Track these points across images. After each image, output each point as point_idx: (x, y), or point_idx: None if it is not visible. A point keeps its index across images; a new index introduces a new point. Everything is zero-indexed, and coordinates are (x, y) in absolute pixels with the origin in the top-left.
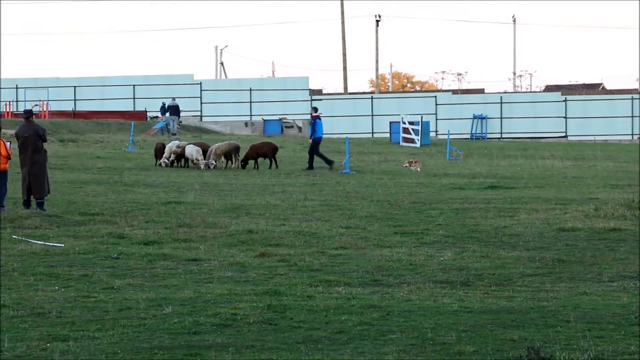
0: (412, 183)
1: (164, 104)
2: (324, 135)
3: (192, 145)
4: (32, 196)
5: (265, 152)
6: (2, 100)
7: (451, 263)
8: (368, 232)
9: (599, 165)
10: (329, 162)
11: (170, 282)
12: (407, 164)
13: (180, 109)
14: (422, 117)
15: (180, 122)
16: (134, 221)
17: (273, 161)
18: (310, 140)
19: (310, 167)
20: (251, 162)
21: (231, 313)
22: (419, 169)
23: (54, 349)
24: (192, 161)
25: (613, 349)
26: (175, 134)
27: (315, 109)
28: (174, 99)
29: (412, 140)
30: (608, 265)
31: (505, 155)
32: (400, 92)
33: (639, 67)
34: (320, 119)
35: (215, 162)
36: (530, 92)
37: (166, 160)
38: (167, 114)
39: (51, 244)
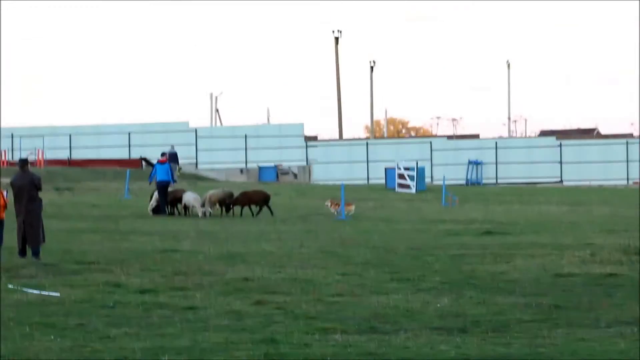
0: (408, 229)
1: (163, 154)
2: (321, 181)
3: (190, 192)
4: (27, 245)
5: (257, 200)
6: None
7: (448, 309)
8: (364, 278)
9: (595, 210)
10: (163, 211)
11: (166, 330)
12: (330, 205)
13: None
14: (417, 162)
15: (180, 169)
16: (130, 269)
17: (268, 208)
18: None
19: (163, 211)
20: (237, 209)
21: None
22: (349, 213)
23: None
24: (189, 208)
25: None
26: (175, 182)
27: (162, 154)
28: (172, 146)
29: (407, 186)
30: (605, 311)
31: (501, 200)
32: (395, 138)
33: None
34: (161, 164)
35: (211, 209)
36: (525, 137)
37: (210, 210)
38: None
39: (47, 293)
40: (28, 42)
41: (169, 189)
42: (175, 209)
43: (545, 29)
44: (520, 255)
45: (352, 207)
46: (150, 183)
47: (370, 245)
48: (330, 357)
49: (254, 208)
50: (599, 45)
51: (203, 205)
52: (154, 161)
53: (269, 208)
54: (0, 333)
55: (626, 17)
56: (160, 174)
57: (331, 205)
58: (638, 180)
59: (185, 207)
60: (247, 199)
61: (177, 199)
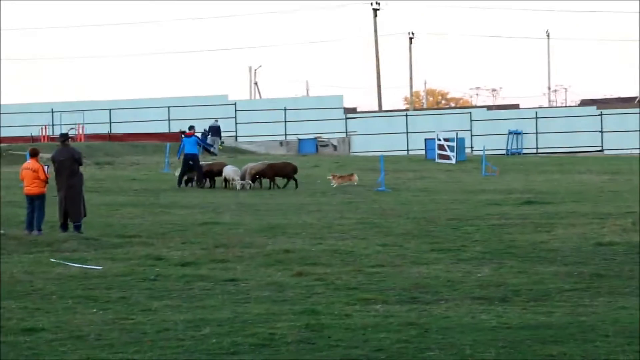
0: (448, 200)
1: (205, 130)
2: (361, 153)
3: (230, 166)
4: (69, 219)
5: (283, 173)
6: (38, 124)
7: (489, 279)
8: (405, 249)
9: (636, 179)
10: (179, 183)
11: (207, 302)
12: (333, 178)
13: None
14: (457, 133)
15: (223, 142)
16: (171, 243)
17: (294, 181)
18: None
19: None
20: (265, 181)
21: (269, 333)
22: (354, 182)
23: None
24: (229, 181)
25: None
26: (216, 155)
27: (189, 128)
28: (216, 120)
29: (447, 157)
30: None
31: (541, 170)
32: (434, 109)
33: None
34: (188, 138)
35: (252, 182)
36: (565, 106)
37: (250, 182)
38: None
39: (89, 266)
40: (66, 18)
41: (207, 162)
42: (208, 181)
43: None
44: (561, 225)
45: (355, 178)
46: (178, 158)
47: (411, 216)
48: (371, 328)
49: (282, 181)
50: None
51: (243, 178)
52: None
53: (295, 180)
54: (41, 306)
55: None
56: (188, 147)
57: (333, 179)
58: None
59: (226, 180)
60: (274, 172)
61: (213, 172)
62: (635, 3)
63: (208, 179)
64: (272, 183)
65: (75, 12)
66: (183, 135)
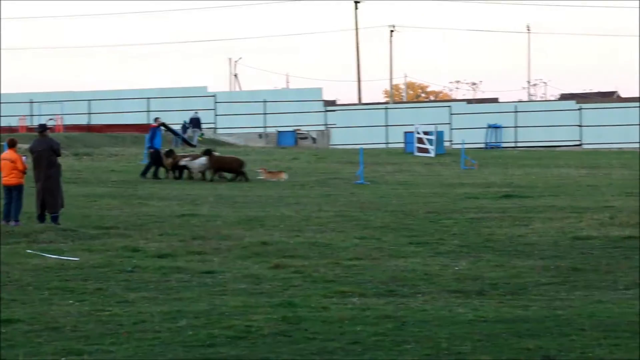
0: (427, 193)
1: (185, 122)
2: (340, 146)
3: (196, 161)
4: (46, 210)
5: (229, 167)
6: (16, 115)
7: (466, 273)
8: (382, 242)
9: (614, 173)
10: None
11: (184, 294)
12: (262, 172)
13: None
14: (436, 126)
15: (202, 134)
16: (149, 234)
17: (243, 176)
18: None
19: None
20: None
21: (245, 325)
22: (279, 180)
23: None
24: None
25: (629, 357)
26: (195, 146)
27: (155, 119)
28: (195, 112)
29: (426, 150)
30: (623, 273)
31: (520, 164)
32: (414, 102)
33: None
34: (159, 129)
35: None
36: (544, 101)
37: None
38: (189, 130)
39: (66, 257)
40: (48, 7)
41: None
42: (174, 173)
43: None
44: (539, 219)
45: (283, 175)
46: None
47: (389, 209)
48: (348, 321)
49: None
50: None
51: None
52: (174, 127)
53: (243, 175)
54: (17, 297)
55: None
56: (158, 140)
57: (263, 173)
58: None
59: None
60: (219, 165)
61: (177, 164)
62: None
63: (177, 171)
64: (213, 176)
65: (54, 2)
66: (162, 127)
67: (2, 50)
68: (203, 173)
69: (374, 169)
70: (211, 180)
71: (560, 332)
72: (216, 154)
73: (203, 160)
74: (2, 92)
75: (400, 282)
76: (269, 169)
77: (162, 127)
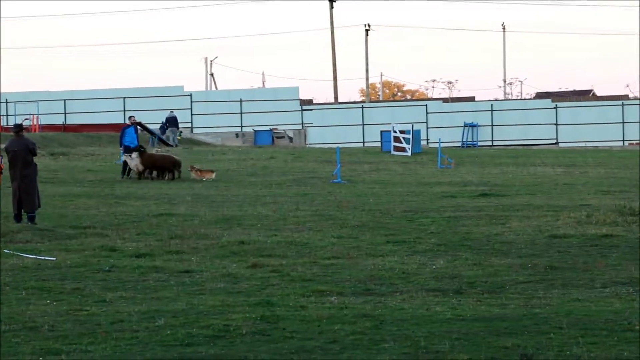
0: (404, 192)
1: (163, 123)
2: (317, 145)
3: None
4: (22, 210)
5: (161, 165)
6: None
7: (443, 271)
8: (360, 241)
9: (591, 171)
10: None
11: (162, 294)
12: (192, 171)
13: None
14: (412, 125)
15: (181, 132)
16: (126, 234)
17: (175, 174)
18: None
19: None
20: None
21: (224, 324)
22: (206, 179)
23: None
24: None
25: (606, 355)
26: (176, 146)
27: (129, 118)
28: (172, 111)
29: (403, 149)
30: (600, 271)
31: (497, 162)
32: (390, 101)
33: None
34: (130, 128)
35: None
36: (520, 99)
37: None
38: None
39: (43, 257)
40: (23, 7)
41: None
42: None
43: None
44: (516, 217)
45: (213, 175)
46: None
47: (366, 208)
48: (326, 319)
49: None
50: (595, 6)
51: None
52: (151, 126)
53: (173, 174)
54: None
55: None
56: (129, 137)
57: (192, 171)
58: (635, 142)
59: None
60: (151, 163)
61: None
62: None
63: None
64: (142, 174)
65: (28, 2)
66: (138, 126)
67: None
68: (143, 171)
69: (351, 168)
70: (145, 178)
71: (538, 331)
72: (161, 151)
73: (136, 157)
74: None
75: (378, 281)
76: (197, 168)
77: (138, 127)
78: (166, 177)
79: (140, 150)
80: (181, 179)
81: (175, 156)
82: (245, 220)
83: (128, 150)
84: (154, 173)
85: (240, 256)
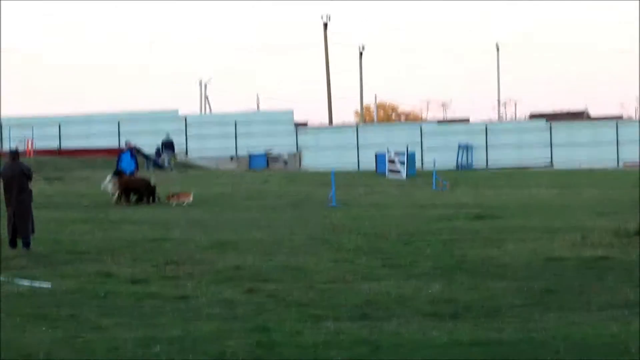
0: (399, 215)
1: (157, 147)
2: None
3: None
4: (17, 236)
5: (134, 187)
6: None
7: (440, 295)
8: (356, 265)
9: (586, 193)
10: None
11: (158, 320)
12: (168, 200)
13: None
14: (407, 147)
15: (176, 158)
16: (121, 259)
17: (149, 197)
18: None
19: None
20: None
21: (220, 351)
22: (184, 203)
23: None
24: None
25: None
26: (171, 170)
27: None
28: (168, 134)
29: (398, 172)
30: (596, 294)
31: (492, 184)
32: (385, 123)
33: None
34: (124, 153)
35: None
36: (515, 120)
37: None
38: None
39: (38, 284)
40: (18, 30)
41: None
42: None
43: (534, 10)
44: (511, 240)
45: (190, 197)
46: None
47: (362, 231)
48: (322, 345)
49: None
50: (587, 26)
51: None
52: (145, 149)
53: (148, 197)
54: None
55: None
56: (125, 164)
57: (170, 200)
58: (629, 163)
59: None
60: (126, 186)
61: (130, 188)
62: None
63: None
64: (121, 197)
65: (23, 25)
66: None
67: None
68: (120, 196)
69: (346, 191)
70: (121, 203)
71: (535, 355)
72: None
73: (109, 181)
74: None
75: (374, 306)
76: (172, 193)
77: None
78: (144, 200)
79: (117, 174)
80: (157, 203)
81: (151, 180)
82: (241, 245)
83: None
84: (133, 198)
85: (236, 281)
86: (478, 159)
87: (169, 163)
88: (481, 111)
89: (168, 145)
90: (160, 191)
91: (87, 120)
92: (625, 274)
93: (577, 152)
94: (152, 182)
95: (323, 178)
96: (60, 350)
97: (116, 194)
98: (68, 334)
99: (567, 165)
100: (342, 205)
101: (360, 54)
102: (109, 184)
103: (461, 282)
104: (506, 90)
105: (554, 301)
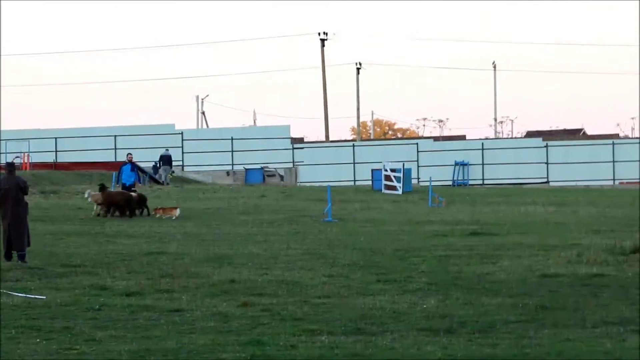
0: (395, 230)
1: (155, 163)
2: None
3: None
4: (13, 248)
5: (117, 201)
6: None
7: (434, 310)
8: (351, 280)
9: (581, 210)
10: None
11: (152, 333)
12: (156, 212)
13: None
14: (403, 164)
15: (173, 172)
16: (116, 272)
17: (130, 211)
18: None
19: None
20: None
21: None
22: (173, 217)
23: None
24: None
25: None
26: (167, 184)
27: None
28: (167, 149)
29: (394, 188)
30: (591, 311)
31: (488, 201)
32: (381, 140)
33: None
34: (127, 165)
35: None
36: (511, 138)
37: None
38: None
39: (32, 296)
40: (15, 46)
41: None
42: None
43: (530, 29)
44: (507, 256)
45: (176, 212)
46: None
47: (357, 246)
48: (317, 359)
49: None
50: (584, 45)
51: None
52: (141, 164)
53: (129, 211)
54: None
55: (611, 15)
56: (125, 176)
57: (157, 213)
58: (625, 181)
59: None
60: (108, 200)
61: (113, 202)
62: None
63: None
64: (107, 211)
65: (21, 39)
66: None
67: None
68: (103, 209)
69: (342, 207)
70: (102, 215)
71: None
72: (137, 191)
73: (94, 193)
74: None
75: (368, 320)
76: (160, 208)
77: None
78: (126, 214)
79: (100, 187)
80: (141, 216)
81: (132, 194)
82: (236, 259)
83: (125, 188)
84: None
85: (231, 295)
86: (474, 176)
87: (165, 177)
88: (478, 129)
89: (166, 160)
90: (153, 205)
91: (84, 133)
92: (621, 291)
93: (574, 170)
94: (135, 195)
95: (319, 193)
96: None
97: (95, 208)
98: (62, 346)
99: (563, 183)
100: (338, 221)
101: (358, 70)
102: (88, 197)
103: (456, 298)
104: (503, 108)
105: (548, 318)
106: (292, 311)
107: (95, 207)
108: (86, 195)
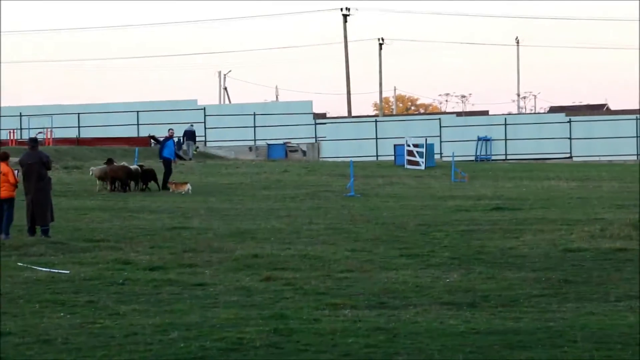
0: (418, 205)
1: (179, 138)
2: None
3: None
4: (36, 223)
5: (120, 176)
6: (6, 128)
7: (457, 285)
8: (374, 254)
9: (604, 185)
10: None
11: (176, 307)
12: (172, 187)
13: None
14: (426, 139)
15: (197, 147)
16: (139, 247)
17: (134, 184)
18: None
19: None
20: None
21: (237, 337)
22: (183, 192)
23: None
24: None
25: None
26: (190, 159)
27: (168, 130)
28: (191, 124)
29: (416, 163)
30: (614, 285)
31: (511, 176)
32: (404, 115)
33: None
34: (170, 140)
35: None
36: (534, 113)
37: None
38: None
39: (56, 270)
40: (36, 22)
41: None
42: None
43: (553, 4)
44: (530, 231)
45: (187, 186)
46: (163, 158)
47: (380, 221)
48: (340, 333)
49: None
50: (609, 20)
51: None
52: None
53: (127, 186)
54: (8, 310)
55: None
56: (167, 151)
57: (170, 186)
58: None
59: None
60: (112, 174)
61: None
62: (604, 11)
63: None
64: (112, 185)
65: (43, 16)
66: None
67: None
68: (112, 183)
69: (365, 182)
70: (109, 190)
71: (552, 344)
72: (138, 166)
73: (102, 167)
74: None
75: (391, 294)
76: (173, 182)
77: (152, 140)
78: (129, 188)
79: (107, 161)
80: (149, 191)
81: (132, 167)
82: (259, 234)
83: (166, 162)
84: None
85: (254, 269)
86: (497, 151)
87: (190, 152)
88: (500, 105)
89: (190, 135)
90: (174, 179)
91: (106, 109)
92: None
93: (597, 145)
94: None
95: (341, 169)
96: (78, 335)
97: (98, 182)
98: (86, 320)
99: (586, 158)
100: (361, 196)
101: (380, 45)
102: (92, 173)
103: (479, 272)
104: (526, 84)
105: (572, 292)
106: (315, 285)
107: (97, 182)
108: (90, 173)
